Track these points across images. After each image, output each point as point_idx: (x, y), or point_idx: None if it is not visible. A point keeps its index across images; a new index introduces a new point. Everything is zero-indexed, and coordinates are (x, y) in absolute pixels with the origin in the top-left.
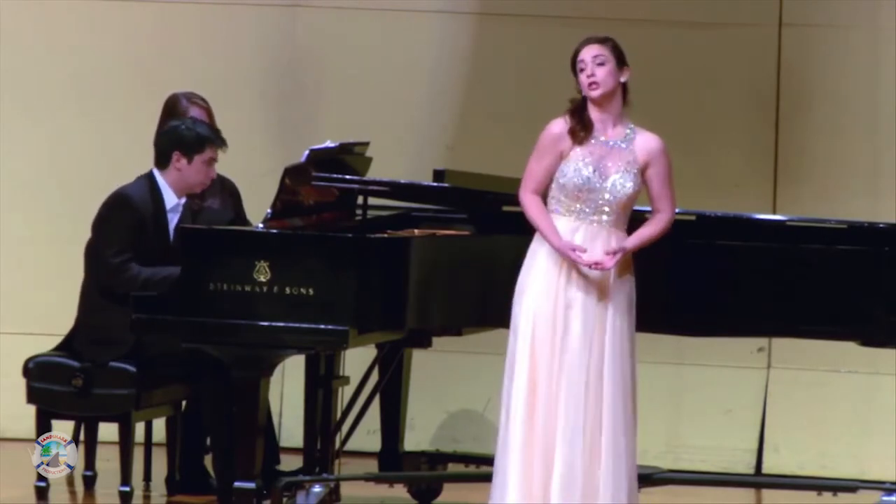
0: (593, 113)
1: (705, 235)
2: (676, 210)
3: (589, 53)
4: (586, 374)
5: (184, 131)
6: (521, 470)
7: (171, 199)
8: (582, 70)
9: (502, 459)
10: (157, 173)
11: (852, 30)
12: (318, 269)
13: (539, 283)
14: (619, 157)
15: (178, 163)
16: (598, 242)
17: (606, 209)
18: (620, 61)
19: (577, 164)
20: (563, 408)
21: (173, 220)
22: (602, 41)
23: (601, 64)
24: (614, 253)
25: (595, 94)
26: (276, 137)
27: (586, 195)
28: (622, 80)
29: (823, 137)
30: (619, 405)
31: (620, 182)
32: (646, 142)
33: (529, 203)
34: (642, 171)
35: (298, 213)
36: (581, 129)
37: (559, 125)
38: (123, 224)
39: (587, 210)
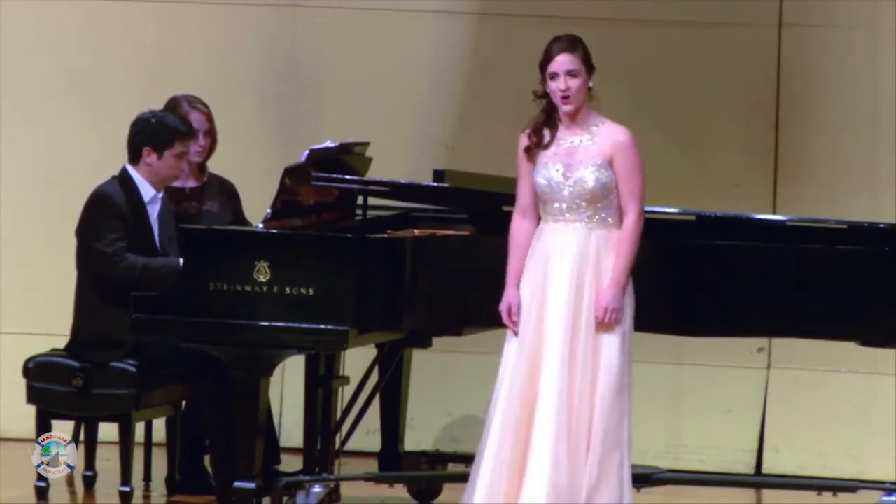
0: (560, 115)
1: (705, 235)
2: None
3: (563, 66)
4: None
5: (153, 126)
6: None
7: (148, 192)
8: (553, 78)
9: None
10: (130, 168)
11: (852, 30)
12: (318, 269)
13: (527, 276)
14: (586, 153)
15: (149, 158)
16: (574, 242)
17: (574, 206)
18: (589, 68)
19: (545, 167)
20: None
21: (153, 211)
22: (573, 49)
23: (574, 76)
24: (605, 313)
25: (568, 108)
26: (276, 137)
27: (555, 195)
28: (590, 85)
29: (823, 137)
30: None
31: (583, 176)
32: (612, 134)
33: (511, 231)
34: (610, 163)
35: (298, 213)
36: (537, 144)
37: (523, 140)
38: (108, 218)
39: (560, 210)
